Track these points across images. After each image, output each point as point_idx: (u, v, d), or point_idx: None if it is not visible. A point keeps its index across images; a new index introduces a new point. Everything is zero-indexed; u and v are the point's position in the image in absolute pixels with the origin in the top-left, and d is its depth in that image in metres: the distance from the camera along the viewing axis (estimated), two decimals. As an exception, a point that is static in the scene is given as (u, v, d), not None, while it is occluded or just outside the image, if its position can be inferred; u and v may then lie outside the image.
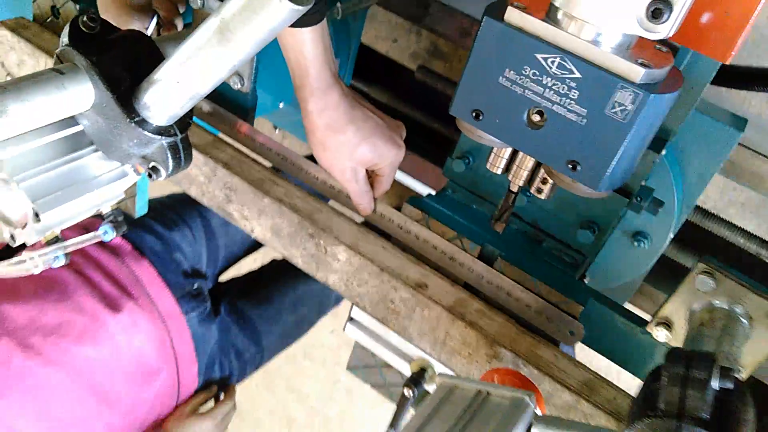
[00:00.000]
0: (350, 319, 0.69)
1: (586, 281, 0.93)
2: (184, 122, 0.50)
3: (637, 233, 0.83)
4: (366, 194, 0.65)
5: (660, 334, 0.57)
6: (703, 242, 1.01)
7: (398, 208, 0.68)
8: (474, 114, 0.50)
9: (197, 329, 1.11)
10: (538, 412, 0.55)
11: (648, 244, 0.85)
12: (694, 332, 0.51)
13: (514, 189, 0.55)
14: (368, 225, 0.70)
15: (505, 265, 0.63)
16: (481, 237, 0.65)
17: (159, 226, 1.16)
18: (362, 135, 0.60)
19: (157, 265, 1.11)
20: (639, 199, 0.67)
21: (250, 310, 1.25)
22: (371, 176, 0.65)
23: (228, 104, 0.75)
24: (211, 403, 1.16)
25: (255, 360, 1.24)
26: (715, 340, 0.50)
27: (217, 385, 1.17)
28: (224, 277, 1.35)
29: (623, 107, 0.44)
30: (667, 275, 1.00)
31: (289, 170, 0.70)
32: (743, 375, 0.55)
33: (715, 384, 0.41)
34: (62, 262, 0.62)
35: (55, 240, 0.61)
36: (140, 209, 0.87)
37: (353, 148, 0.60)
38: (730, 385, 0.41)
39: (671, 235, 0.86)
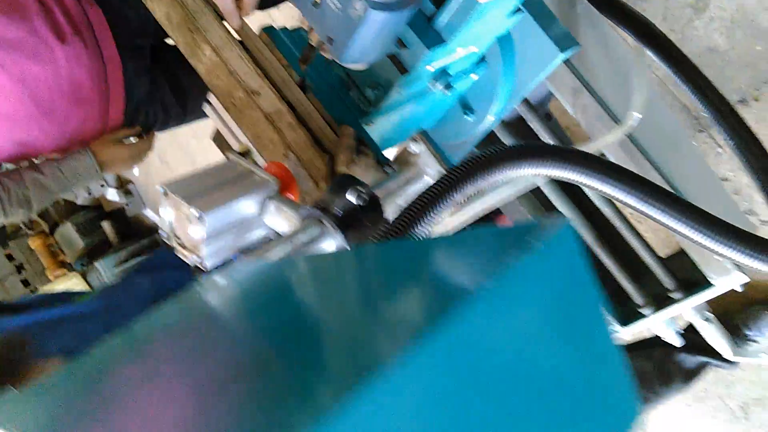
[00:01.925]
0: (208, 101, 0.94)
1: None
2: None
3: (466, 107, 1.06)
4: (232, 13, 0.86)
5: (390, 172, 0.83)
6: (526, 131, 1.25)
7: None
8: (284, -17, 0.70)
9: (131, 77, 1.35)
10: (291, 197, 0.83)
11: (473, 118, 1.08)
12: (398, 170, 0.77)
13: (313, 43, 0.77)
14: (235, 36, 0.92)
15: (314, 98, 0.87)
16: (305, 73, 0.88)
17: (118, -18, 1.34)
18: (229, -33, 0.80)
19: (109, 15, 1.31)
20: (435, 78, 0.90)
21: (184, 75, 1.48)
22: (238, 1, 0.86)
23: None
24: (133, 140, 1.44)
25: (178, 118, 1.50)
26: (397, 180, 0.76)
27: (141, 127, 1.44)
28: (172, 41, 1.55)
29: (357, 11, 0.65)
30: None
31: (188, -25, 0.90)
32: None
33: (351, 198, 0.68)
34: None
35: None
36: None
37: (221, -25, 0.80)
38: (360, 203, 0.68)
39: (492, 117, 1.09)
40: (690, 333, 1.44)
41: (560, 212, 1.19)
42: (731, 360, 1.46)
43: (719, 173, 1.42)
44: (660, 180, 1.00)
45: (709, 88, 0.94)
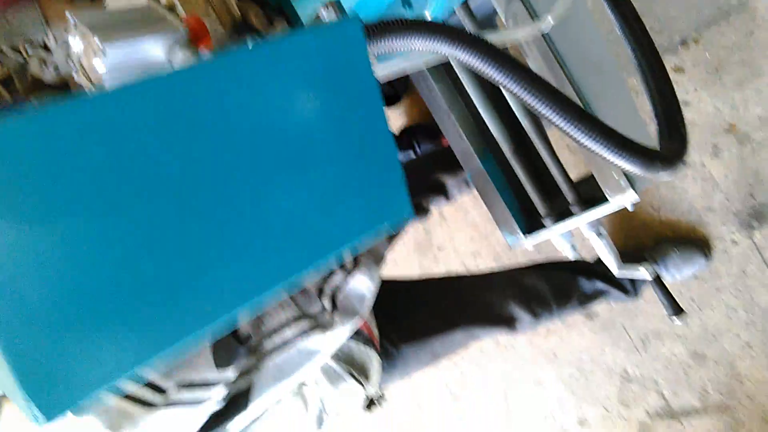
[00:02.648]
0: (139, -49, 0.94)
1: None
2: None
3: (405, 1, 1.08)
4: None
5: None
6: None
7: None
8: None
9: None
10: (205, 51, 0.84)
11: (411, 12, 1.10)
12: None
13: None
14: None
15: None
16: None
17: None
18: None
19: None
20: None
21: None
22: None
23: None
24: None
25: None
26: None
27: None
28: None
29: None
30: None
31: None
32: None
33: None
34: None
35: None
36: None
37: None
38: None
39: (428, 14, 1.11)
40: (595, 264, 1.52)
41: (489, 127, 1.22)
42: (628, 291, 1.55)
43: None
44: (571, 91, 1.03)
45: (630, 11, 0.96)
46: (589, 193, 1.14)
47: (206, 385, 0.75)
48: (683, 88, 1.40)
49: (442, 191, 1.47)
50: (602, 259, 1.18)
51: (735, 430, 1.66)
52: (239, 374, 0.81)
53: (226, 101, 0.32)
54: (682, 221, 1.53)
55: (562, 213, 1.18)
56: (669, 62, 1.41)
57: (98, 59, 0.75)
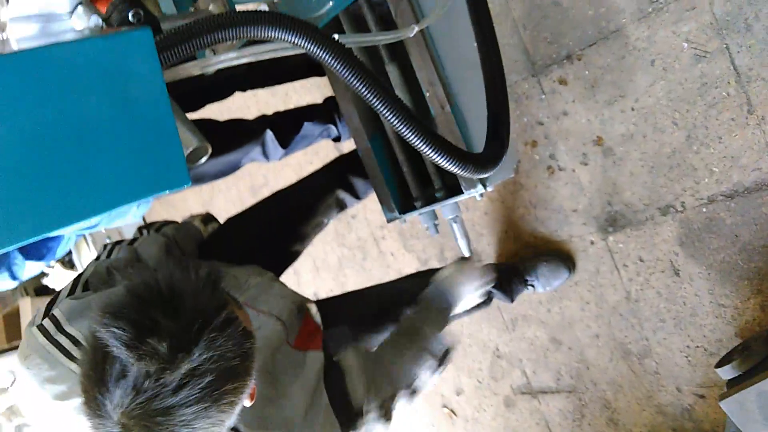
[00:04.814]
0: None
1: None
2: None
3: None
4: None
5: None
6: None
7: None
8: None
9: None
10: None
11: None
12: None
13: None
14: None
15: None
16: None
17: None
18: None
19: None
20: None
21: None
22: None
23: None
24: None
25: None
26: (184, 16, 0.89)
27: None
28: None
29: None
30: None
31: None
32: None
33: (129, 15, 0.81)
34: None
35: None
36: None
37: None
38: (134, 20, 0.81)
39: (331, 2, 1.22)
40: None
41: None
42: (510, 298, 1.73)
43: (537, 117, 1.62)
44: (440, 86, 1.17)
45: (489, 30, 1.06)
46: (454, 182, 1.29)
47: None
48: (564, 98, 1.56)
49: (354, 192, 1.58)
50: (456, 241, 1.33)
51: (580, 410, 1.87)
52: None
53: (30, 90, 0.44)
54: (551, 236, 1.71)
55: (430, 197, 1.33)
56: (555, 74, 1.56)
57: (3, 8, 0.84)
